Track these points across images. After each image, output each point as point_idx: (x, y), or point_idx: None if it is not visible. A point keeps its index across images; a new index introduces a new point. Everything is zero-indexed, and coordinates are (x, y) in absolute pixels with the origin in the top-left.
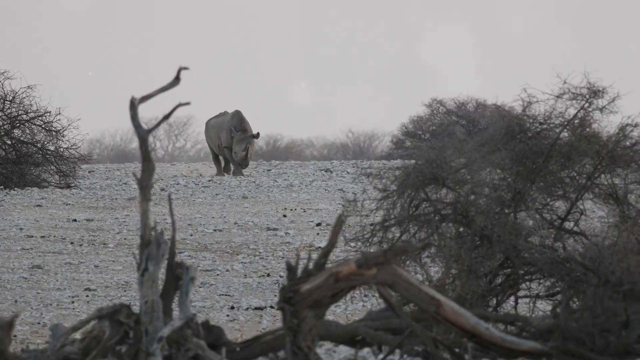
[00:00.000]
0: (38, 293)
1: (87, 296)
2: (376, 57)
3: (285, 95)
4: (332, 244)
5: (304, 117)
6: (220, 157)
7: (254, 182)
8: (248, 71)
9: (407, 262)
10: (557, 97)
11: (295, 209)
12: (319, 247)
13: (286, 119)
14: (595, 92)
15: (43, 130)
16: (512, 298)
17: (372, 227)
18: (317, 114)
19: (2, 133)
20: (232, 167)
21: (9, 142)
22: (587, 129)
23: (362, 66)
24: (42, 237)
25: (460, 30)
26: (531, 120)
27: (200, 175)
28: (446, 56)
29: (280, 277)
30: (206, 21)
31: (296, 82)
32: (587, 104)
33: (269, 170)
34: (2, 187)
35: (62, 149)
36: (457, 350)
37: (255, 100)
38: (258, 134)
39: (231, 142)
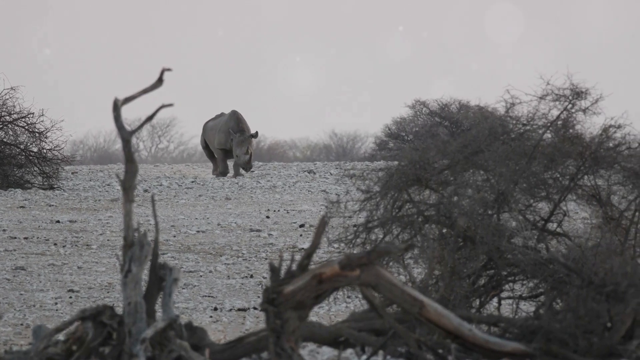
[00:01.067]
0: (21, 294)
1: (70, 297)
2: (359, 58)
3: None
4: (315, 245)
5: (287, 117)
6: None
7: (237, 183)
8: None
9: (390, 264)
10: (540, 98)
11: (279, 210)
12: (302, 249)
13: (269, 119)
14: (578, 94)
15: (26, 132)
16: (495, 299)
17: (355, 228)
18: (300, 115)
19: None
20: (229, 169)
21: None
22: (570, 130)
23: (346, 67)
24: (25, 238)
25: (442, 31)
26: (514, 122)
27: (184, 176)
28: (428, 58)
29: (264, 278)
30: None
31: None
32: (570, 105)
33: (252, 171)
34: None
35: (45, 151)
36: (440, 351)
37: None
38: (257, 132)
39: (228, 144)
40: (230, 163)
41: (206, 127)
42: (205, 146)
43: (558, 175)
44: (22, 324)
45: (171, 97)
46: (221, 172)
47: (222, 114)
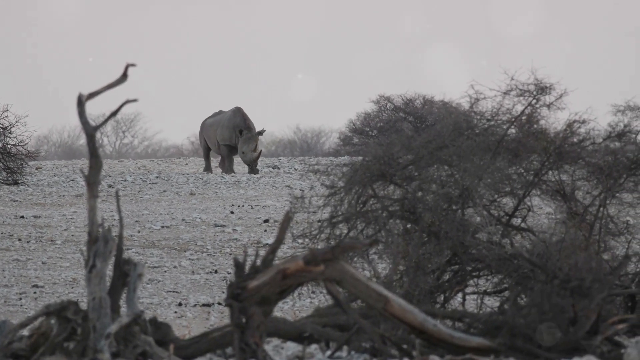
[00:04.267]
0: None
1: (34, 293)
2: (325, 53)
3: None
4: (279, 241)
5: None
6: (214, 155)
7: (202, 178)
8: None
9: (355, 259)
10: (505, 93)
11: (243, 206)
12: (267, 244)
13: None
14: (542, 89)
15: None
16: (460, 294)
17: (319, 223)
18: (266, 110)
19: None
20: (226, 166)
21: None
22: (535, 126)
23: (311, 62)
24: None
25: (406, 28)
26: (479, 117)
27: (148, 171)
28: (394, 53)
29: (228, 273)
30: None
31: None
32: (534, 101)
33: (216, 166)
34: None
35: (9, 146)
36: (404, 346)
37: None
38: (263, 130)
39: (233, 140)
40: (236, 159)
41: (205, 124)
42: (205, 144)
43: (522, 171)
44: None
45: (135, 93)
46: (228, 169)
47: (220, 112)
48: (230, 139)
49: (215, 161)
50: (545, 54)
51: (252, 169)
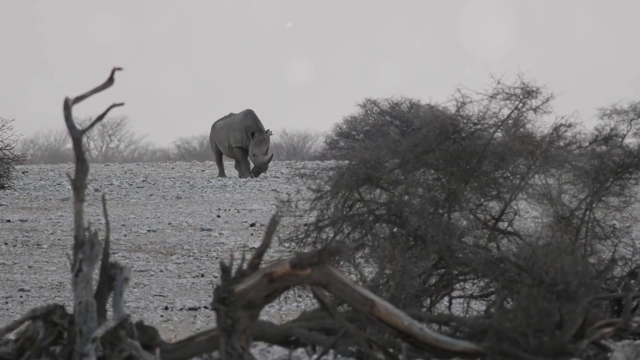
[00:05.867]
0: None
1: (20, 297)
2: (311, 58)
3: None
4: (266, 245)
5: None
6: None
7: (188, 182)
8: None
9: (341, 263)
10: (491, 97)
11: (229, 210)
12: (253, 248)
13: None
14: (529, 93)
15: None
16: (446, 298)
17: (306, 227)
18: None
19: None
20: (242, 169)
21: None
22: (521, 129)
23: (296, 67)
24: None
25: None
26: (465, 121)
27: (134, 175)
28: (379, 56)
29: (215, 277)
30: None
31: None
32: (520, 104)
33: (203, 170)
34: None
35: None
36: (391, 350)
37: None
38: (270, 132)
39: (245, 142)
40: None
41: (215, 127)
42: (215, 147)
43: (509, 174)
44: None
45: (122, 97)
46: (245, 171)
47: (231, 114)
48: (241, 141)
49: (227, 165)
50: (531, 58)
51: (262, 169)
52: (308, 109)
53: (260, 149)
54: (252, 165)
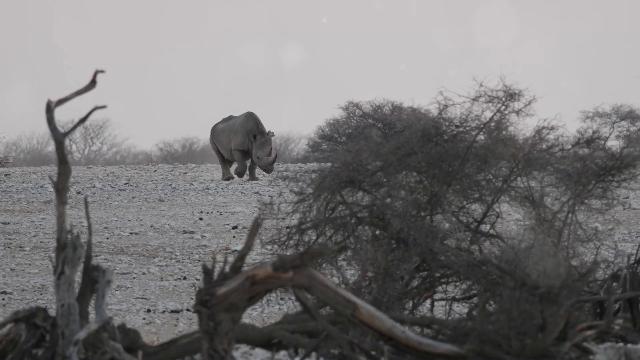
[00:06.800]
0: None
1: (3, 299)
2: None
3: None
4: (248, 247)
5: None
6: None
7: (170, 185)
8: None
9: (324, 265)
10: (474, 100)
11: (212, 212)
12: (236, 250)
13: (202, 121)
14: (511, 95)
15: None
16: (429, 301)
17: (288, 230)
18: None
19: None
20: (237, 170)
21: None
22: (504, 132)
23: (278, 69)
24: None
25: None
26: (447, 123)
27: (117, 178)
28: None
29: (197, 280)
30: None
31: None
32: (503, 107)
33: (185, 173)
34: None
35: None
36: (373, 353)
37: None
38: (272, 133)
39: (246, 145)
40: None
41: (216, 130)
42: (216, 149)
43: (491, 177)
44: None
45: (104, 99)
46: (239, 172)
47: (230, 117)
48: (243, 144)
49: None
50: (514, 62)
51: (267, 171)
52: (292, 111)
53: (263, 151)
54: (250, 168)
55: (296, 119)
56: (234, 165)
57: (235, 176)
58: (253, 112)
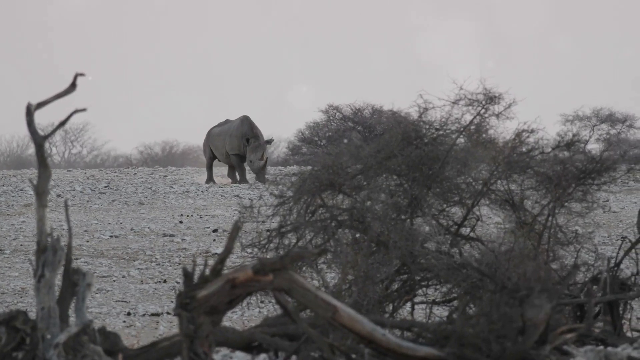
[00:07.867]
0: None
1: None
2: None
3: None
4: (228, 250)
5: (199, 123)
6: (222, 166)
7: (150, 188)
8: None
9: (304, 268)
10: (454, 103)
11: (192, 215)
12: (216, 254)
13: (183, 124)
14: (491, 98)
15: None
16: (409, 304)
17: (268, 233)
18: (214, 120)
19: None
20: (238, 176)
21: None
22: (484, 135)
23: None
24: None
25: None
26: (427, 126)
27: (97, 181)
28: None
29: (177, 283)
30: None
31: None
32: (483, 110)
33: (165, 176)
34: None
35: None
36: (353, 356)
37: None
38: (272, 139)
39: (241, 149)
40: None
41: (211, 134)
42: (210, 154)
43: (471, 180)
44: None
45: (84, 102)
46: (241, 178)
47: (227, 121)
48: (238, 148)
49: (219, 171)
50: (491, 64)
51: (260, 177)
52: (271, 115)
53: (256, 155)
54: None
55: (276, 122)
56: (226, 170)
57: (227, 180)
58: (248, 116)
